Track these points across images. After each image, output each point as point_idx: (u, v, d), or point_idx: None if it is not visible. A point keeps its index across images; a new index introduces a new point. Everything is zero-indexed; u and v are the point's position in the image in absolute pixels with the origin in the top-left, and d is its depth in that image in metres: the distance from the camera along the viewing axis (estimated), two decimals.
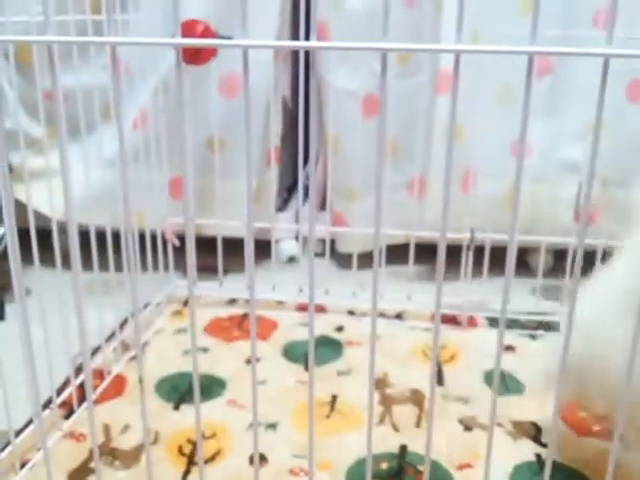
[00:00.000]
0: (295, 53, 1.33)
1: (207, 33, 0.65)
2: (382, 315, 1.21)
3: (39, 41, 0.47)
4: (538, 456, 0.84)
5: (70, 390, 0.91)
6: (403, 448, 0.85)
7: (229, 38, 0.56)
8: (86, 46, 0.99)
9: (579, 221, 0.50)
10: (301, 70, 1.16)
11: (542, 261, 1.21)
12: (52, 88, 0.49)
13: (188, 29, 0.64)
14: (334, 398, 0.96)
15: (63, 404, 0.90)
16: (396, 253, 1.28)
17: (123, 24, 1.10)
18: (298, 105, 1.16)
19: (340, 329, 1.18)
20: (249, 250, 0.52)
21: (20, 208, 0.77)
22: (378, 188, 0.49)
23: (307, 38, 0.48)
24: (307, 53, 1.11)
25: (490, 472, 0.56)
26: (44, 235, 0.81)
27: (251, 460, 0.82)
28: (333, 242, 1.41)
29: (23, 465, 0.79)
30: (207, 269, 1.29)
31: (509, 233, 0.50)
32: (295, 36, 1.33)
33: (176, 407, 0.94)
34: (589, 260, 0.60)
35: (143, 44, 0.47)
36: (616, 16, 0.44)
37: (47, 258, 0.81)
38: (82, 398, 0.91)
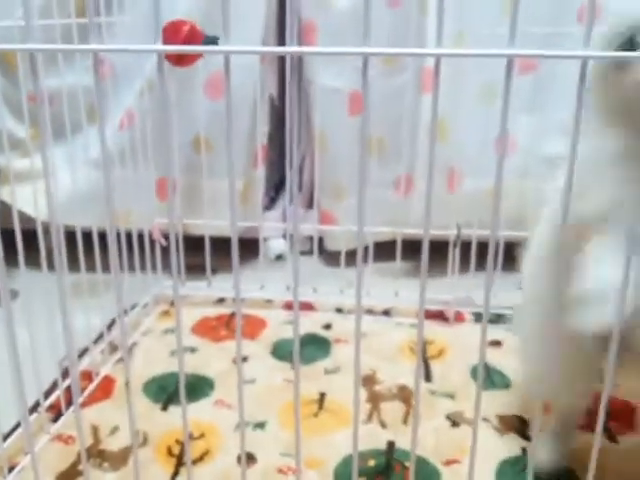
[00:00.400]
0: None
1: (193, 33, 0.65)
2: (369, 312, 1.22)
3: (22, 49, 0.47)
4: (524, 450, 0.85)
5: (58, 393, 0.91)
6: (390, 445, 0.86)
7: (216, 39, 0.56)
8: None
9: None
10: (288, 71, 1.16)
11: None
12: (35, 94, 0.49)
13: (174, 30, 0.64)
14: (322, 396, 0.97)
15: (51, 407, 0.90)
16: (383, 250, 1.29)
17: (108, 26, 1.09)
18: (285, 104, 1.16)
19: (328, 327, 1.19)
20: (234, 249, 0.52)
21: (5, 209, 0.77)
22: (361, 185, 0.50)
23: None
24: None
25: (477, 467, 0.57)
26: (30, 236, 0.81)
27: (239, 460, 0.82)
28: (321, 240, 1.41)
29: (11, 469, 0.79)
30: (195, 269, 1.29)
31: (490, 228, 0.50)
32: (282, 34, 1.33)
33: (164, 408, 0.94)
34: None
35: (126, 51, 0.47)
36: (594, 16, 0.44)
37: (34, 259, 0.81)
38: (70, 401, 0.90)
